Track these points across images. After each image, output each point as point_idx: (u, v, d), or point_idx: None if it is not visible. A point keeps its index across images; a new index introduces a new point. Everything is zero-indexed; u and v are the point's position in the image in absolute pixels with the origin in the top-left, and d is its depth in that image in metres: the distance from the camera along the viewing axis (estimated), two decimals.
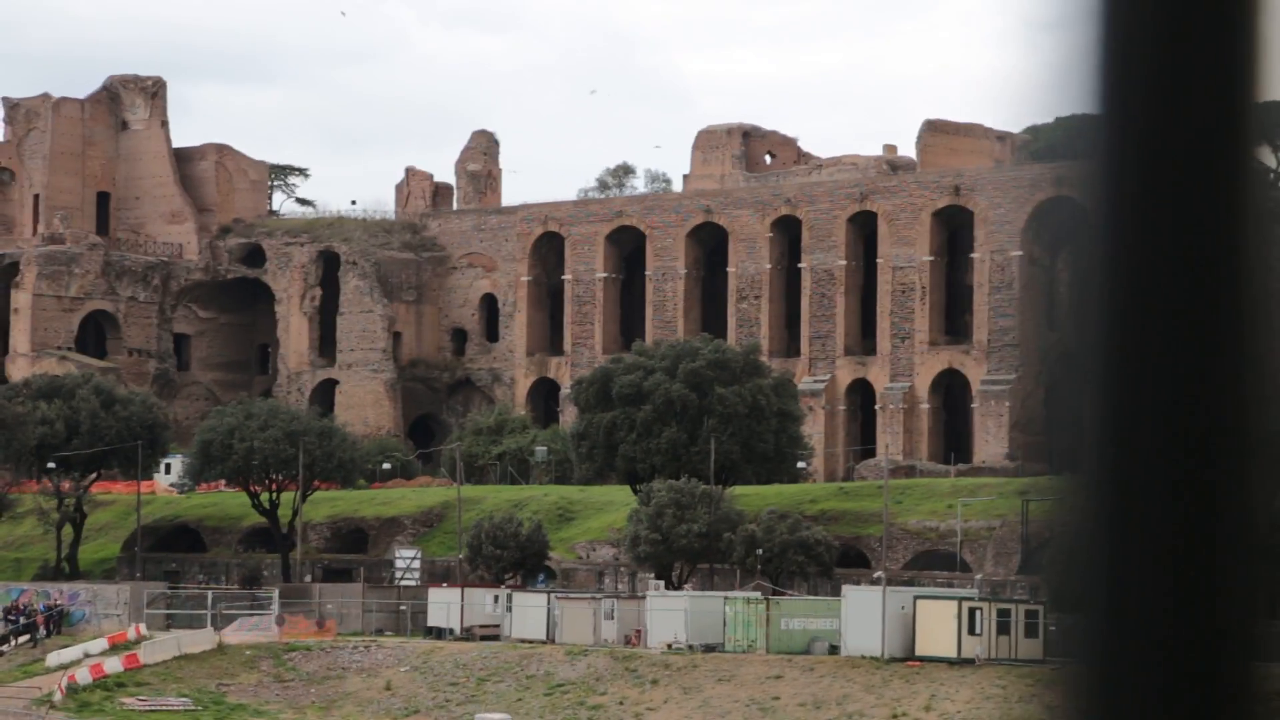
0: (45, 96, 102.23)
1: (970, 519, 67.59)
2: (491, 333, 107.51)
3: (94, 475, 76.52)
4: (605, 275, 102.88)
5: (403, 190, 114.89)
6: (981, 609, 57.36)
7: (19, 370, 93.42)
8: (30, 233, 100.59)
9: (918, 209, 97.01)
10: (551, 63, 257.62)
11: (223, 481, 76.93)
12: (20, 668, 61.55)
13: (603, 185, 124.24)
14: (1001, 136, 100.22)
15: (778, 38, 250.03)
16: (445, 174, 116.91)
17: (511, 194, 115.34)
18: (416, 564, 71.34)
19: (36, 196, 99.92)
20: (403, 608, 66.20)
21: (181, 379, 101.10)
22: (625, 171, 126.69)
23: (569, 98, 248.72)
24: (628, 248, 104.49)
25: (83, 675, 58.66)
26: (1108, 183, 1.42)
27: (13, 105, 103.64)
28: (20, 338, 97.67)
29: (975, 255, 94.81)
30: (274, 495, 73.56)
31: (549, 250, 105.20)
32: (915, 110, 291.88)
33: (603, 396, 75.26)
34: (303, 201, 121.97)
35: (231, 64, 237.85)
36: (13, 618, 66.12)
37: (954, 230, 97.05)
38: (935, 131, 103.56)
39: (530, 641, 61.42)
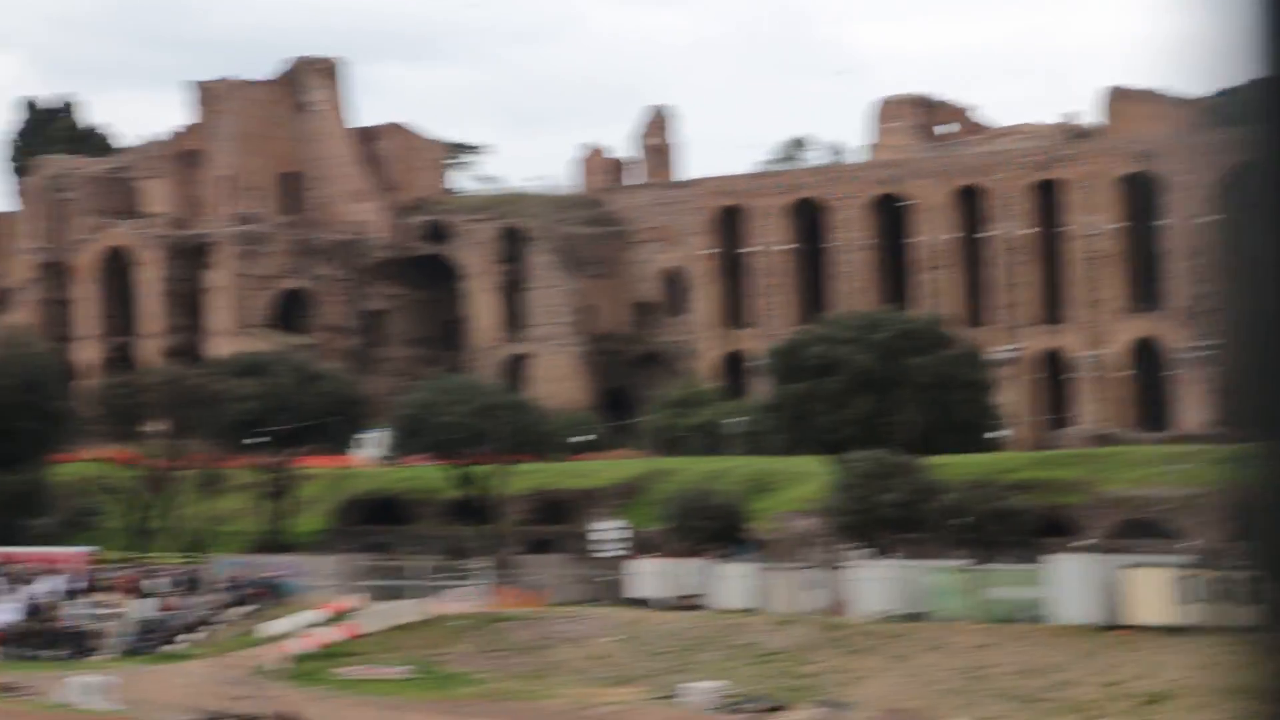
0: (230, 80, 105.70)
1: (1176, 486, 65.72)
2: (675, 305, 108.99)
3: (297, 450, 78.66)
4: (786, 247, 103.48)
5: (582, 166, 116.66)
6: (1191, 576, 55.93)
7: (219, 348, 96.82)
8: (220, 214, 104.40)
9: (1104, 175, 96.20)
10: (727, 36, 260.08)
11: (423, 455, 78.79)
12: (238, 638, 63.48)
13: (780, 158, 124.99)
14: (1187, 101, 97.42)
15: (952, 7, 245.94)
16: (622, 149, 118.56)
17: (689, 168, 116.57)
18: (620, 535, 71.83)
19: (226, 178, 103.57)
20: (606, 578, 67.27)
21: (375, 355, 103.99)
22: (801, 144, 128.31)
23: (745, 71, 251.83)
24: (807, 219, 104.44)
25: (300, 646, 60.33)
26: None
27: (201, 89, 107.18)
28: (218, 316, 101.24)
29: (1166, 221, 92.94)
30: (473, 468, 75.15)
31: (728, 223, 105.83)
32: (1093, 77, 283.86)
33: (792, 368, 76.16)
34: (483, 179, 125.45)
35: (411, 44, 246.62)
36: (229, 590, 68.37)
37: (1143, 196, 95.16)
38: (1121, 98, 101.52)
39: (734, 611, 61.86)
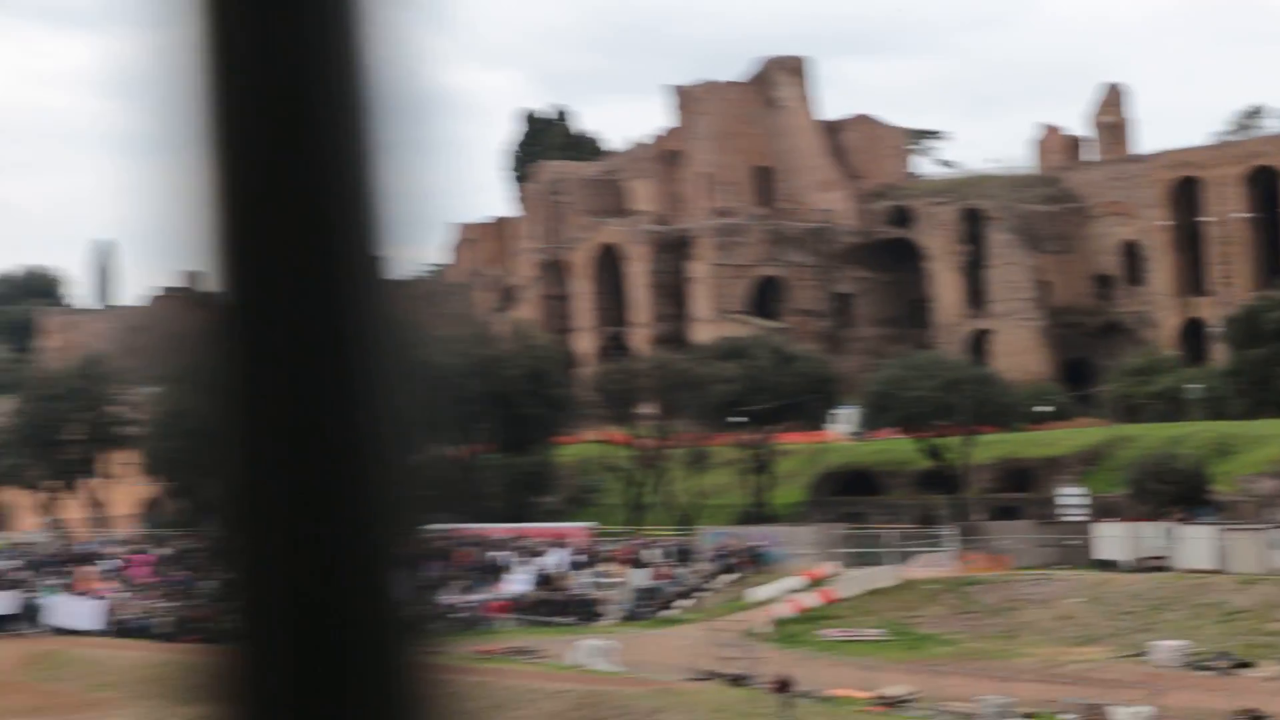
0: (706, 83, 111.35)
1: None
2: (1134, 276, 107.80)
3: (776, 427, 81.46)
4: (1243, 216, 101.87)
5: (1039, 146, 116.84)
6: None
7: (701, 334, 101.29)
8: (699, 209, 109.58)
9: None
10: (1178, 7, 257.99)
11: (893, 429, 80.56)
12: (727, 603, 65.58)
13: (1235, 128, 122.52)
14: None
15: None
16: (1078, 127, 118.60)
17: (1143, 142, 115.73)
18: (1083, 501, 71.77)
19: (703, 175, 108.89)
20: (1069, 542, 67.30)
21: (845, 336, 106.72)
22: (1258, 113, 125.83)
23: (1197, 42, 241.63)
24: (1264, 188, 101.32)
25: (784, 610, 62.02)
26: None
27: (679, 93, 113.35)
28: (700, 304, 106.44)
29: None
30: (941, 440, 76.16)
31: (1185, 194, 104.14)
32: None
33: (1251, 334, 78.43)
34: (943, 163, 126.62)
35: (872, 40, 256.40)
36: (717, 559, 70.93)
37: None
38: None
39: (1197, 572, 61.08)
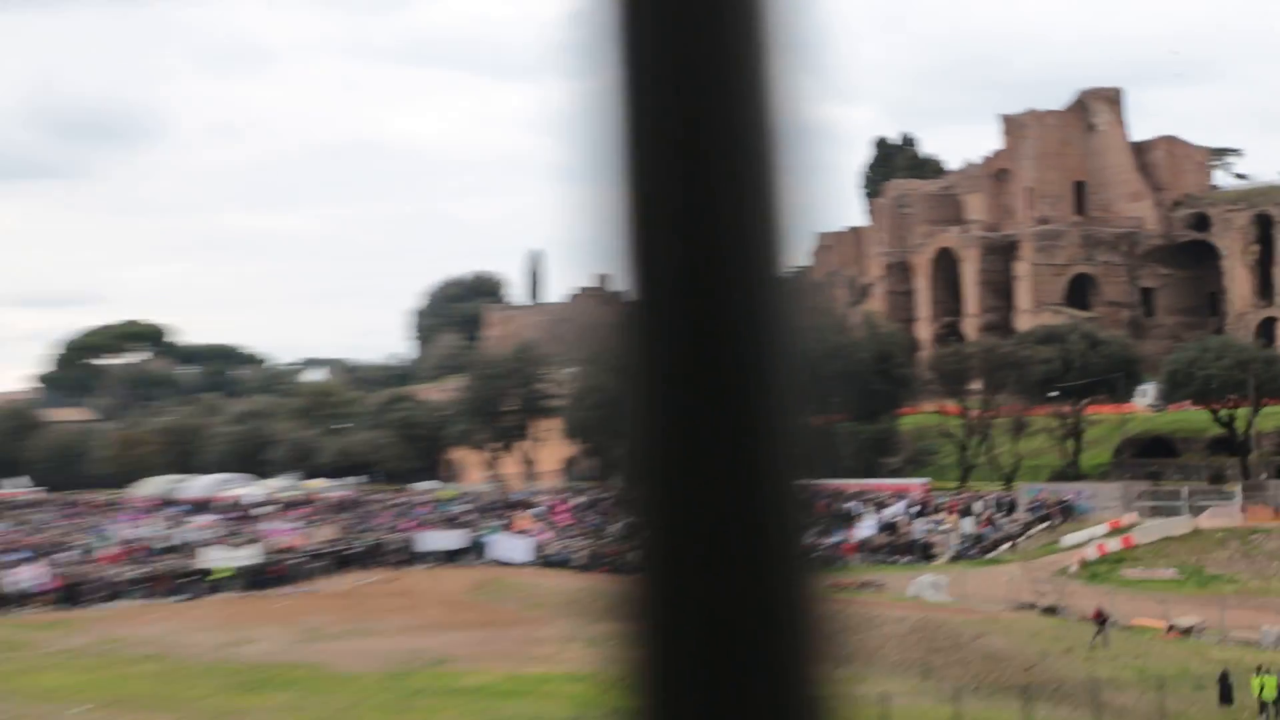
0: (1031, 111, 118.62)
1: None
2: None
3: (1086, 400, 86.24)
4: None
5: None
6: None
7: (1023, 323, 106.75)
8: (1023, 218, 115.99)
9: None
10: None
11: (1188, 402, 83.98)
12: (1041, 548, 69.09)
13: None
14: None
15: None
16: None
17: None
18: None
19: (1027, 189, 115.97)
20: None
21: (1148, 324, 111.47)
22: None
23: None
24: None
25: (1091, 553, 65.28)
26: None
27: (1007, 120, 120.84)
28: (1023, 298, 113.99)
29: None
30: (1231, 411, 79.40)
31: None
32: None
33: None
34: (1238, 176, 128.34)
35: (1177, 70, 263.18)
36: (1033, 510, 75.08)
37: None
38: None
39: None
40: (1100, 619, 44.64)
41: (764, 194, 0.58)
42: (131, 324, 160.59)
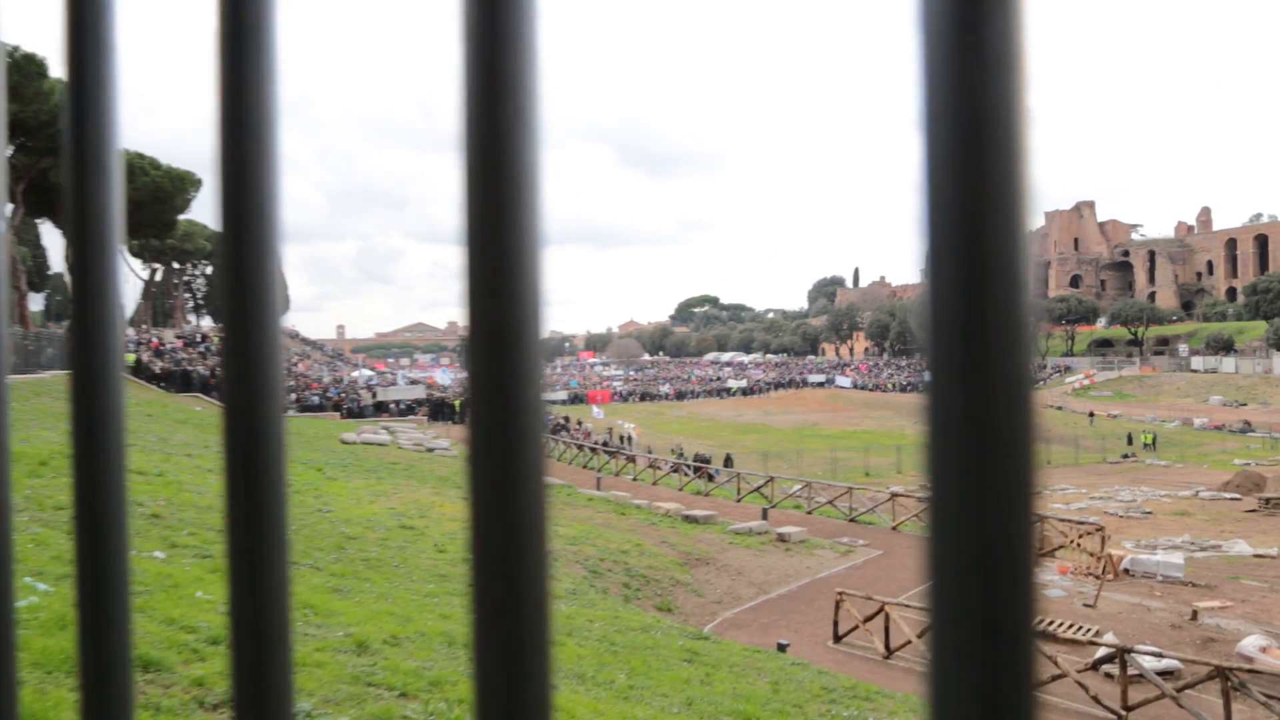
0: (1054, 209, 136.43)
1: None
2: None
3: (1078, 321, 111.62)
4: None
5: None
6: None
7: (1053, 293, 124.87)
8: (1052, 250, 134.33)
9: None
10: None
11: (1119, 325, 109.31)
12: (1055, 383, 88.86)
13: None
14: None
15: None
16: None
17: None
18: None
19: (1054, 241, 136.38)
20: None
21: (1103, 294, 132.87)
22: None
23: None
24: None
25: (1077, 385, 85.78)
26: None
27: (1046, 214, 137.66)
28: (1052, 285, 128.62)
29: None
30: (1135, 329, 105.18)
31: None
32: None
33: None
34: (1141, 233, 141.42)
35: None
36: (1052, 368, 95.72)
37: None
38: None
39: None
40: (1091, 414, 68.41)
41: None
42: None
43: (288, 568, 0.47)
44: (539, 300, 0.40)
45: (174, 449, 20.09)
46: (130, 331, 56.99)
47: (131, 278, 66.02)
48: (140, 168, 48.54)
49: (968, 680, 0.35)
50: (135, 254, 64.90)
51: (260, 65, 0.46)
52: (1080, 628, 15.26)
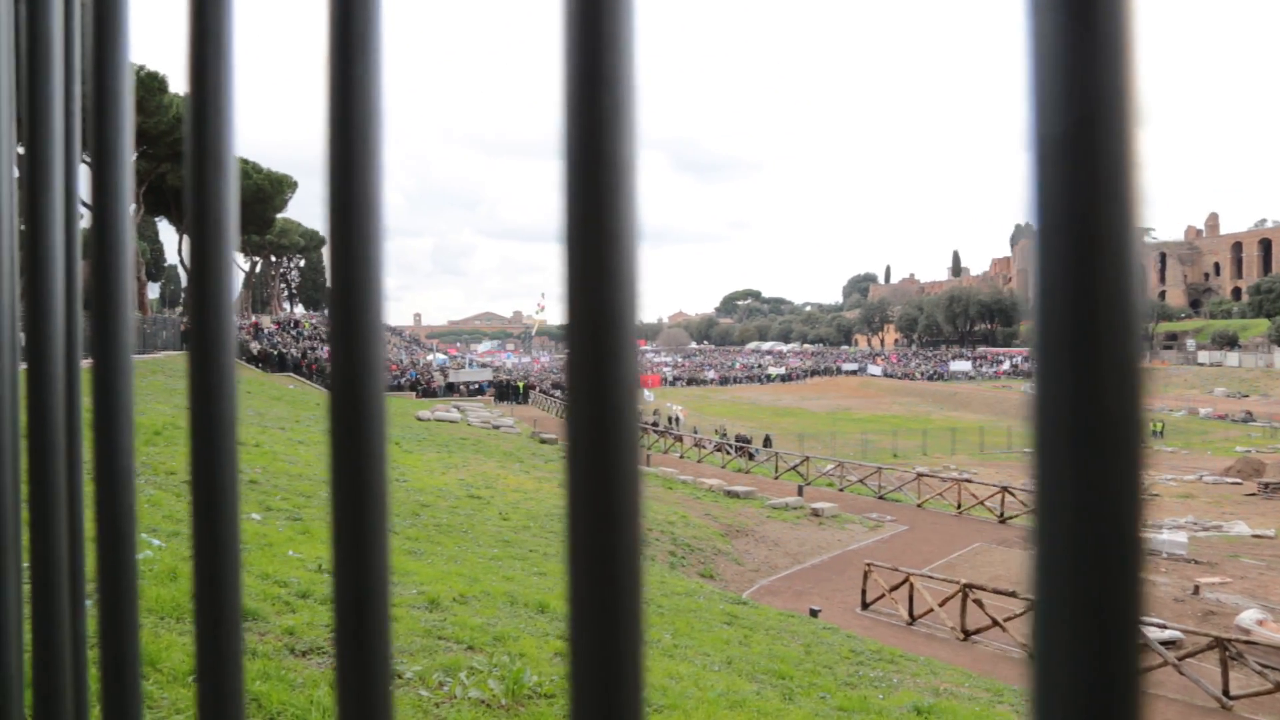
0: None
1: None
2: None
3: None
4: None
5: None
6: None
7: None
8: None
9: None
10: None
11: None
12: None
13: None
14: None
15: None
16: None
17: None
18: None
19: None
20: None
21: None
22: None
23: None
24: None
25: None
26: None
27: None
28: None
29: None
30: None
31: None
32: None
33: None
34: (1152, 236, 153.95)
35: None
36: None
37: None
38: None
39: None
40: None
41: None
42: None
43: (388, 535, 0.47)
44: (636, 289, 0.41)
45: (269, 423, 20.48)
46: (234, 319, 57.93)
47: (235, 269, 67.12)
48: (244, 170, 49.44)
49: (1075, 671, 0.31)
50: (238, 248, 66.02)
51: (367, 72, 0.46)
52: None
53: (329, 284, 0.49)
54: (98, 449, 0.67)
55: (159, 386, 20.60)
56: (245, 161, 50.53)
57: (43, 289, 0.73)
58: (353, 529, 0.49)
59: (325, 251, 0.47)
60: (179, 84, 56.51)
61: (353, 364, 0.48)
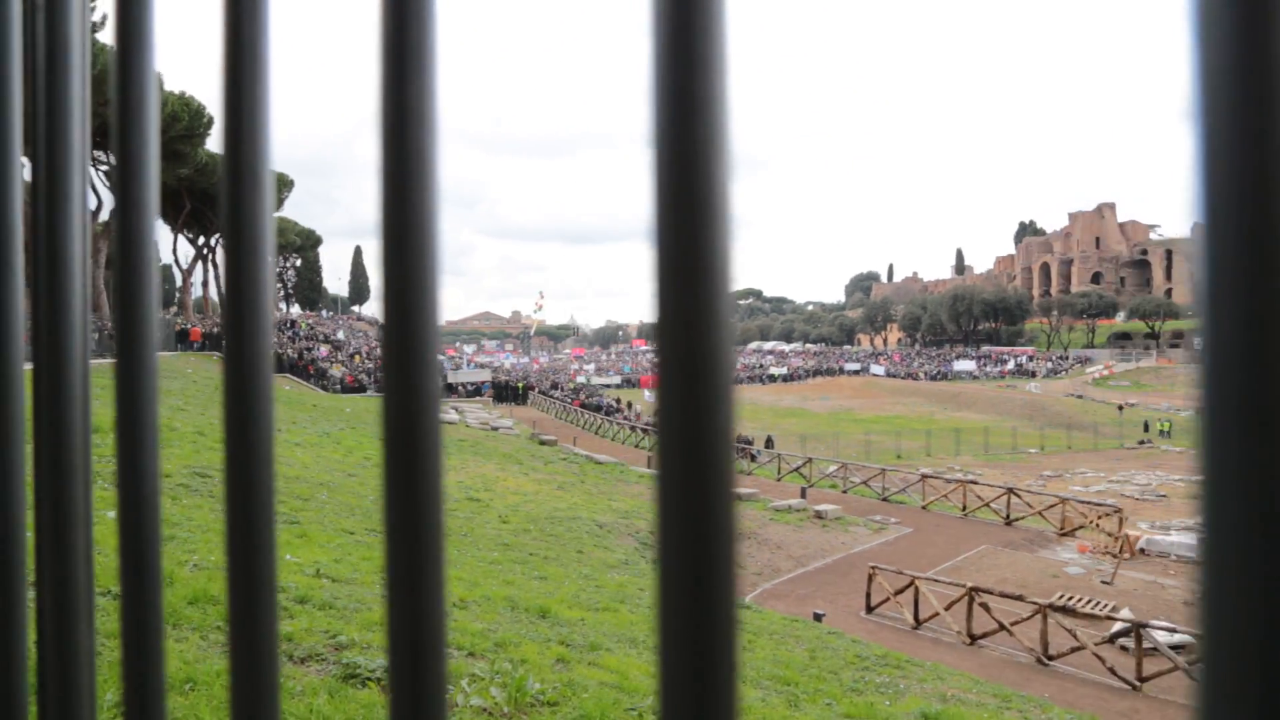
0: (1078, 211, 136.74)
1: None
2: None
3: (1097, 315, 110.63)
4: None
5: None
6: None
7: (1076, 289, 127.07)
8: (1076, 250, 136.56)
9: None
10: None
11: (1136, 319, 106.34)
12: (1076, 372, 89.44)
13: None
14: None
15: None
16: None
17: None
18: None
19: (1077, 240, 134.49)
20: None
21: (1123, 289, 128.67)
22: None
23: None
24: None
25: (1097, 375, 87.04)
26: None
27: (1071, 215, 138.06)
28: (1075, 281, 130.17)
29: None
30: (1153, 323, 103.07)
31: None
32: None
33: None
34: (1158, 232, 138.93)
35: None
36: (1075, 359, 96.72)
37: None
38: None
39: None
40: (1121, 406, 62.98)
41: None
42: None
43: (443, 558, 0.47)
44: (729, 293, 0.38)
45: None
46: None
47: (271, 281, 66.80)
48: None
49: (1251, 687, 0.30)
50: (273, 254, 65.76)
51: (422, 80, 0.46)
52: (1098, 603, 14.98)
53: (383, 307, 0.48)
54: (121, 452, 0.66)
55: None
56: None
57: (57, 289, 0.73)
58: (407, 539, 0.49)
59: (374, 273, 0.47)
60: (174, 81, 56.19)
61: (407, 381, 0.48)
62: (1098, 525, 20.75)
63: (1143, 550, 19.83)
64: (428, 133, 0.48)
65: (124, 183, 0.66)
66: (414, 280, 0.47)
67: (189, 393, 22.59)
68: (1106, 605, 14.90)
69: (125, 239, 0.66)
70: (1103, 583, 17.26)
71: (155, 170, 0.70)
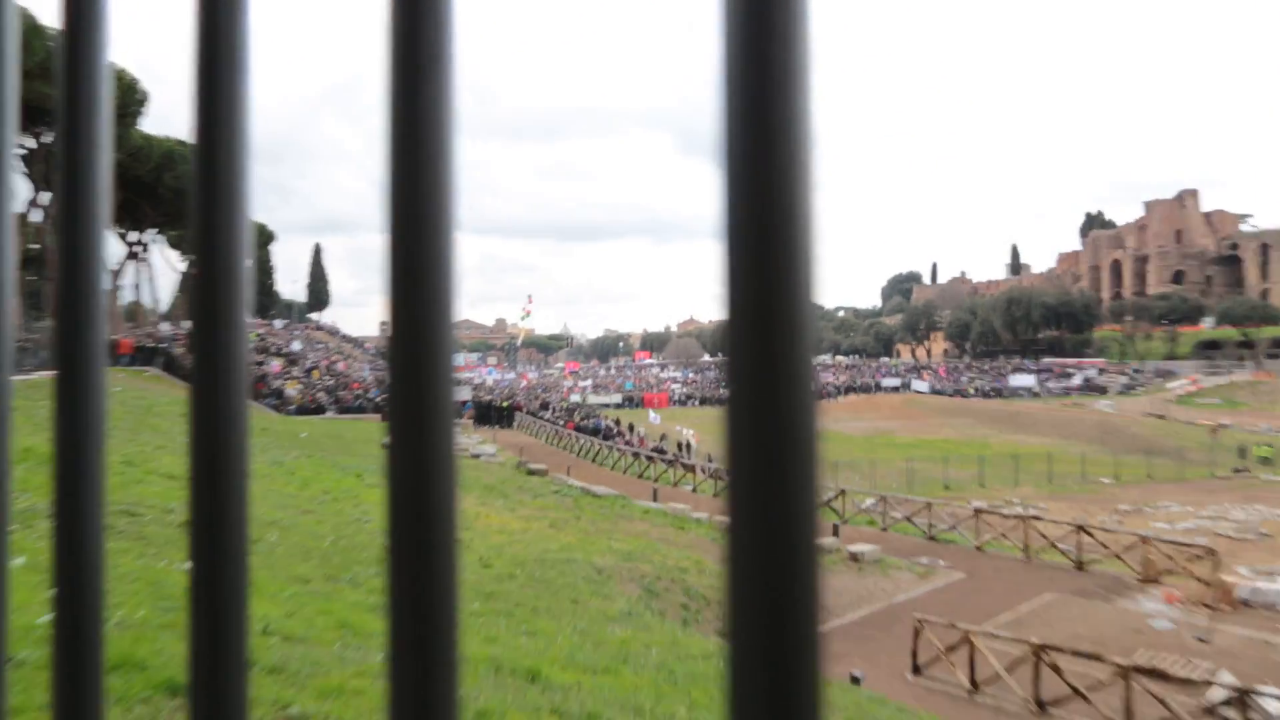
0: (1156, 199, 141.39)
1: None
2: None
3: (1180, 322, 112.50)
4: None
5: None
6: None
7: (1152, 291, 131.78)
8: (1152, 245, 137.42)
9: None
10: None
11: (1227, 325, 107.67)
12: (1156, 389, 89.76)
13: None
14: None
15: None
16: None
17: None
18: None
19: (1155, 232, 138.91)
20: None
21: (1209, 290, 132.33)
22: None
23: None
24: None
25: (1180, 392, 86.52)
26: None
27: (1147, 203, 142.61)
28: (1152, 280, 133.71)
29: None
30: (1246, 330, 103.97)
31: None
32: None
33: None
34: (1250, 224, 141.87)
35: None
36: (1154, 373, 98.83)
37: None
38: None
39: None
40: (1214, 428, 61.23)
41: None
42: None
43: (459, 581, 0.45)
44: (810, 285, 0.37)
45: None
46: (165, 327, 58.05)
47: (169, 271, 67.28)
48: (181, 155, 49.42)
49: None
50: (174, 245, 66.14)
51: (439, 82, 0.44)
52: (1193, 664, 14.74)
53: (389, 324, 0.47)
54: (59, 470, 0.65)
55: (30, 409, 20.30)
56: (183, 144, 50.51)
57: None
58: (414, 576, 0.48)
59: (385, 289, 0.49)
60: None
61: (419, 383, 0.47)
62: (1187, 570, 20.50)
63: (1244, 601, 19.59)
64: (445, 140, 0.47)
65: (70, 186, 0.65)
66: (427, 306, 0.46)
67: (117, 415, 22.49)
68: (1202, 667, 14.67)
69: (70, 245, 0.65)
70: (1197, 639, 17.01)
71: (107, 173, 0.69)
